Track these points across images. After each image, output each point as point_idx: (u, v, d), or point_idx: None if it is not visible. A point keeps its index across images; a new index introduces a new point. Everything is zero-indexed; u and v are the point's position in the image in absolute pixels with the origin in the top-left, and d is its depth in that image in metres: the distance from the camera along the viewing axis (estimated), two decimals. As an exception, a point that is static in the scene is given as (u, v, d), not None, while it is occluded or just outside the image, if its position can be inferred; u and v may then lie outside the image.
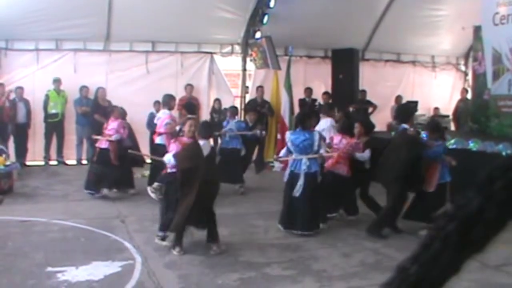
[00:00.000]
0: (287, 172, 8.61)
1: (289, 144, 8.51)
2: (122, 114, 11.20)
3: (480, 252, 1.01)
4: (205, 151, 7.66)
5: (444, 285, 1.03)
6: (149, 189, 9.89)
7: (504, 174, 0.99)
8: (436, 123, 9.88)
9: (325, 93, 15.11)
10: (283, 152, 8.85)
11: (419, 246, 1.05)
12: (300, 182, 8.28)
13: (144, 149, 14.68)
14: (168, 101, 11.17)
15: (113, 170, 10.68)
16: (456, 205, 1.03)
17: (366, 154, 8.93)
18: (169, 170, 7.95)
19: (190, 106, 11.20)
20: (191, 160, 7.44)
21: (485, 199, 0.99)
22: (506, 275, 6.64)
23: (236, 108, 13.16)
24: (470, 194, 1.01)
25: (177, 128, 10.40)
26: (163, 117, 10.89)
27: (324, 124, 10.26)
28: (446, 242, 1.01)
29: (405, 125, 9.04)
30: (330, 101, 14.77)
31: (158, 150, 10.30)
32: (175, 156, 7.60)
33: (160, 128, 10.72)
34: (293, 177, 8.40)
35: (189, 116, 10.43)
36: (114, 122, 10.85)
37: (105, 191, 10.69)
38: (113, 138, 10.65)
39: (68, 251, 7.34)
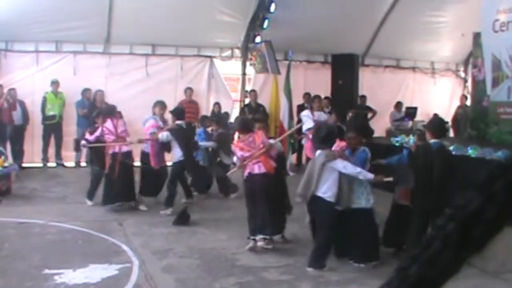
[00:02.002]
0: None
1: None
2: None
3: (480, 252, 1.00)
4: None
5: (443, 285, 1.03)
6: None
7: (504, 174, 0.98)
8: (440, 122, 9.01)
9: (326, 98, 15.11)
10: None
11: (420, 246, 1.05)
12: None
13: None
14: (153, 107, 10.93)
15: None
16: (456, 205, 1.03)
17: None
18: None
19: (178, 111, 10.90)
20: None
21: (485, 199, 0.98)
22: (503, 282, 6.63)
23: (204, 117, 12.98)
24: (470, 194, 1.01)
25: (161, 134, 10.14)
26: (148, 125, 10.54)
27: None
28: (446, 242, 1.00)
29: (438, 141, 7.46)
30: (329, 107, 14.76)
31: (145, 157, 10.57)
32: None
33: (147, 136, 10.48)
34: None
35: (177, 122, 10.31)
36: (120, 121, 10.42)
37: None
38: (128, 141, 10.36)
39: (66, 253, 7.33)
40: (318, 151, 7.24)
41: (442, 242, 1.01)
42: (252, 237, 7.74)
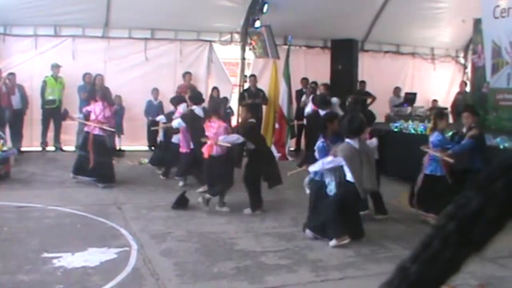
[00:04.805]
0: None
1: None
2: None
3: (480, 251, 1.00)
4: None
5: (443, 284, 1.03)
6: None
7: (504, 174, 0.98)
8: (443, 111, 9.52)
9: (324, 84, 15.03)
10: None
11: (419, 245, 1.04)
12: None
13: (142, 136, 14.68)
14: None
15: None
16: (456, 205, 1.02)
17: (374, 141, 8.74)
18: None
19: (193, 95, 10.94)
20: None
21: (485, 199, 0.98)
22: (501, 267, 6.66)
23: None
24: (470, 194, 1.00)
25: (174, 122, 10.54)
26: (178, 110, 11.22)
27: None
28: (446, 242, 1.00)
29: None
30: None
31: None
32: None
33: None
34: None
35: (192, 107, 10.40)
36: (108, 109, 10.73)
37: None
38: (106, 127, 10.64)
39: (64, 237, 7.34)
40: (351, 141, 7.39)
41: (442, 241, 1.00)
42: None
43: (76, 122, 12.57)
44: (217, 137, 8.86)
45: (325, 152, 7.66)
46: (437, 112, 9.90)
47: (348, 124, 7.48)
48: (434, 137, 8.50)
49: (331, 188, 7.58)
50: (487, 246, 1.00)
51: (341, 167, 7.39)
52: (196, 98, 10.73)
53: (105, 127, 10.53)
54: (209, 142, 9.02)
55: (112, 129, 10.83)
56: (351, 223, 7.52)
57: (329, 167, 7.45)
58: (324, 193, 7.67)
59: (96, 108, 10.57)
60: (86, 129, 10.82)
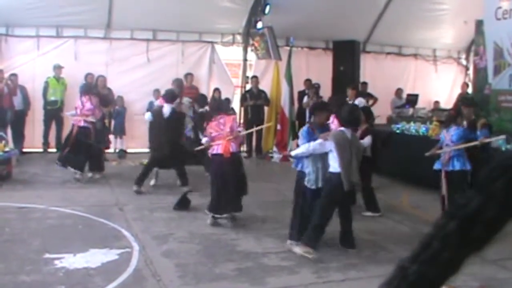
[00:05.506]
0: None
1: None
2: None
3: (480, 251, 1.00)
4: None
5: (443, 284, 1.03)
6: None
7: (504, 174, 0.98)
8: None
9: (352, 87, 14.33)
10: None
11: (419, 245, 1.04)
12: None
13: (144, 139, 14.67)
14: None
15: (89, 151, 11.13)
16: (456, 205, 1.02)
17: (367, 140, 8.69)
18: None
19: (167, 93, 10.81)
20: None
21: (485, 199, 0.97)
22: (502, 269, 6.65)
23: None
24: (470, 194, 1.00)
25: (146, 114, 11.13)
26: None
27: None
28: (446, 242, 1.00)
29: None
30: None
31: None
32: None
33: None
34: None
35: (163, 104, 10.44)
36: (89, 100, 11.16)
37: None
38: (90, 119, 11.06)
39: (66, 238, 7.34)
40: (345, 130, 7.17)
41: (442, 241, 1.00)
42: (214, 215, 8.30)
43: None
44: (233, 131, 8.29)
45: (308, 139, 7.34)
46: (458, 110, 9.73)
47: (349, 113, 7.36)
48: (454, 131, 8.24)
49: (310, 179, 7.24)
50: (487, 247, 1.00)
51: (325, 159, 7.16)
52: (168, 96, 10.66)
53: (89, 118, 10.94)
54: (221, 142, 8.26)
55: (93, 120, 11.05)
56: (343, 230, 7.39)
57: (316, 151, 7.10)
58: (303, 185, 7.35)
59: (79, 102, 11.16)
60: (72, 122, 11.31)
